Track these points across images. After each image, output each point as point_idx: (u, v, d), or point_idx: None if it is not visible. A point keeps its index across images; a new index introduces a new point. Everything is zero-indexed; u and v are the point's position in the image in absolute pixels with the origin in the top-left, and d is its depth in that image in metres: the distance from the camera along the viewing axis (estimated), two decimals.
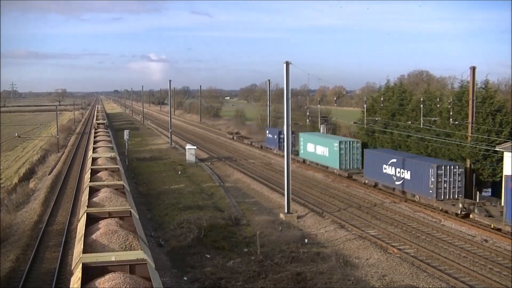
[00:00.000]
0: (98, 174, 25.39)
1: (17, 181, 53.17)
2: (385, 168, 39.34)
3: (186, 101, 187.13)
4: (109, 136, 51.32)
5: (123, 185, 22.11)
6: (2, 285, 22.17)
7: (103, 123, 72.01)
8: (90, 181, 22.90)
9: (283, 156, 55.81)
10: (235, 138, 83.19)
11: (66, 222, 32.01)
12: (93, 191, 20.82)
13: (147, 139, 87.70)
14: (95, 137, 50.18)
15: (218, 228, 30.24)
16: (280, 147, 59.25)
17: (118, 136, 78.06)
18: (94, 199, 18.83)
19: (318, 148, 50.94)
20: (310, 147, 52.83)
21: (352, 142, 47.51)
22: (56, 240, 28.64)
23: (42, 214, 35.12)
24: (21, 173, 59.74)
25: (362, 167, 45.00)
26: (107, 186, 21.49)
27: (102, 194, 19.63)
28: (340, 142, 46.78)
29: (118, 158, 32.38)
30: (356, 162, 46.92)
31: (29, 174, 57.89)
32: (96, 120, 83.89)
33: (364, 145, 48.22)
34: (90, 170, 26.25)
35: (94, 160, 30.72)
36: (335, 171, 47.57)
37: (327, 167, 49.35)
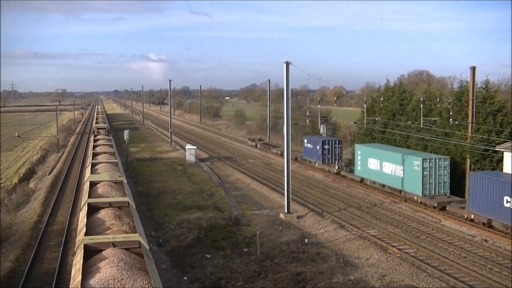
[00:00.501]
0: (99, 215, 16.77)
1: (17, 181, 53.18)
2: (508, 201, 28.61)
3: (186, 101, 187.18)
4: (111, 146, 40.33)
5: (139, 242, 13.61)
6: (2, 285, 22.16)
7: (104, 128, 62.22)
8: (86, 231, 14.60)
9: (328, 171, 48.90)
10: (258, 145, 71.17)
11: (66, 222, 32.01)
12: (91, 253, 12.93)
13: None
14: (94, 146, 39.56)
15: (218, 228, 30.25)
16: (324, 160, 50.43)
17: (118, 136, 77.90)
18: (92, 282, 10.77)
19: (386, 166, 39.46)
20: (373, 164, 41.27)
21: (439, 159, 36.05)
22: (56, 240, 28.65)
23: (42, 214, 35.12)
24: (21, 173, 59.75)
25: (451, 192, 36.23)
26: (113, 244, 13.24)
27: (107, 269, 11.38)
28: (423, 160, 35.60)
29: (126, 181, 23.90)
30: (443, 185, 35.94)
31: (29, 174, 57.90)
32: (95, 123, 72.50)
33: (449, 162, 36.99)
34: (86, 206, 17.48)
35: (92, 185, 21.71)
36: (415, 197, 36.16)
37: (400, 191, 38.00)
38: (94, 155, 33.78)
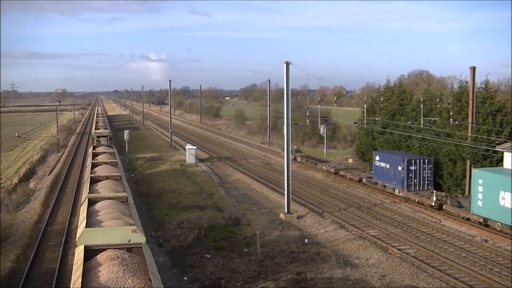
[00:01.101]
0: None
1: (17, 181, 53.16)
2: None
3: (186, 101, 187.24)
4: (116, 165, 29.35)
5: None
6: (2, 285, 22.17)
7: (106, 136, 52.64)
8: None
9: (419, 203, 36.14)
10: (298, 159, 57.70)
11: (66, 222, 32.03)
12: None
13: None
14: (93, 165, 28.24)
15: (218, 228, 30.25)
16: (410, 186, 37.71)
17: (119, 136, 77.66)
18: None
19: None
20: (509, 200, 28.35)
21: None
22: (56, 240, 28.65)
23: (42, 214, 35.13)
24: (21, 173, 59.72)
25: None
26: None
27: None
28: None
29: (143, 241, 14.42)
30: None
31: (29, 174, 57.89)
32: (95, 129, 61.59)
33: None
34: None
35: (89, 256, 12.83)
36: None
37: None
38: (93, 180, 23.57)
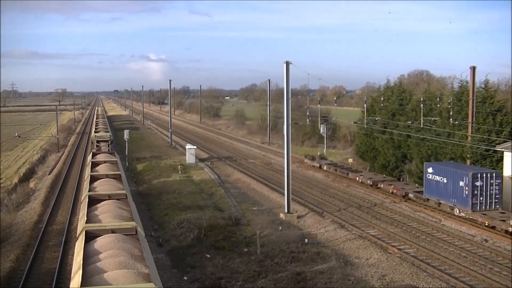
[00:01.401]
0: None
1: (17, 181, 53.19)
2: None
3: (186, 101, 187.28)
4: (120, 177, 23.84)
5: None
6: (2, 285, 22.17)
7: (106, 140, 46.58)
8: None
9: (489, 227, 29.83)
10: (324, 167, 51.14)
11: (66, 222, 32.03)
12: None
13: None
14: (91, 179, 22.81)
15: (218, 228, 30.25)
16: (475, 206, 31.51)
17: (118, 136, 77.65)
18: None
19: None
20: None
21: None
22: (56, 240, 28.66)
23: (42, 214, 35.14)
24: (21, 173, 59.74)
25: None
26: None
27: None
28: None
29: None
30: None
31: (29, 174, 57.93)
32: (94, 131, 56.27)
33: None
34: None
35: None
36: None
37: None
38: (92, 202, 18.47)
